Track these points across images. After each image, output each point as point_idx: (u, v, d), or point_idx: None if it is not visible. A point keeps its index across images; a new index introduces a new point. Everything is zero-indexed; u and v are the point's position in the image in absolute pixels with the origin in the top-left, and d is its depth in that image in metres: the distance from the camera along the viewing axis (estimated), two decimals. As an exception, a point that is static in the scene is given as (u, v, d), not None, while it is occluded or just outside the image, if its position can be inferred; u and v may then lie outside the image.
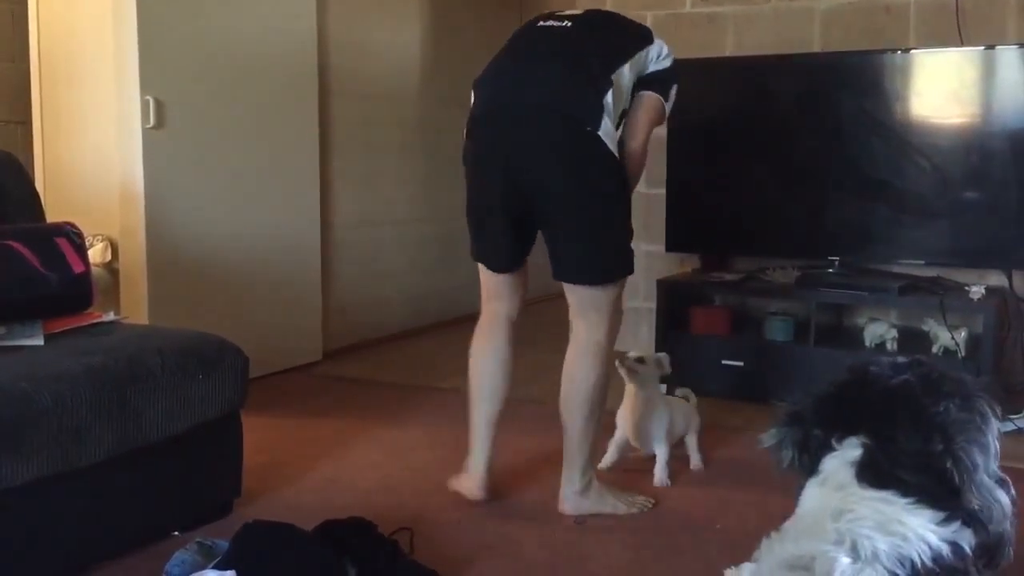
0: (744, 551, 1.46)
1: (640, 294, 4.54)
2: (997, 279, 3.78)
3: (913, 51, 3.75)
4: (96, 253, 3.49)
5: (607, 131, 2.36)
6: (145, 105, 3.38)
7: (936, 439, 1.28)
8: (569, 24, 2.49)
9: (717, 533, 2.45)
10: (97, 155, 3.59)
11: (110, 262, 3.56)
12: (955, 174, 3.68)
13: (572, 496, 2.58)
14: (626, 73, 2.43)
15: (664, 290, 3.97)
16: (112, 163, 3.50)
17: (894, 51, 3.76)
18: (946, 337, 3.50)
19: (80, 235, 2.61)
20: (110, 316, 2.60)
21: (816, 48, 4.05)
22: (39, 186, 3.33)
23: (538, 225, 2.50)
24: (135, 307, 3.43)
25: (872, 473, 1.28)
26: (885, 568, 1.15)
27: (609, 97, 2.35)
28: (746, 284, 3.93)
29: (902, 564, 1.16)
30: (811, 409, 1.43)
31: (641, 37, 2.55)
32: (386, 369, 4.29)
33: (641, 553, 2.33)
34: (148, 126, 3.40)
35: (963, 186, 3.67)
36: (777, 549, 1.26)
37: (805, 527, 1.25)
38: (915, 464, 1.27)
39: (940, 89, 3.69)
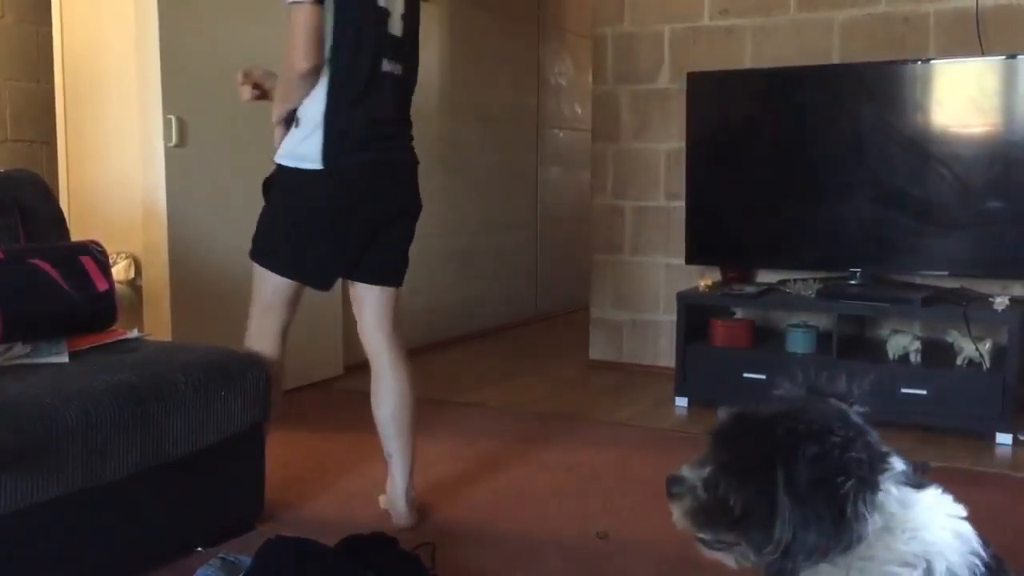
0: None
1: (660, 307, 4.54)
2: (1021, 289, 3.74)
3: (933, 61, 3.74)
4: (120, 271, 3.52)
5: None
6: (167, 124, 3.41)
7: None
8: None
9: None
10: (120, 174, 3.63)
11: (133, 279, 3.58)
12: (977, 184, 3.65)
13: (413, 506, 2.60)
14: None
15: (684, 303, 3.96)
16: (135, 181, 3.53)
17: (914, 61, 3.75)
18: (970, 348, 3.47)
19: (104, 253, 2.64)
20: (134, 333, 2.63)
21: (835, 59, 4.04)
22: (63, 205, 3.36)
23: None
24: (158, 324, 3.45)
25: (916, 478, 1.27)
26: None
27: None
28: (767, 296, 3.91)
29: (974, 573, 1.18)
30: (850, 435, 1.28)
31: None
32: (407, 384, 4.29)
33: (663, 567, 2.32)
34: (170, 144, 3.43)
35: (985, 196, 3.65)
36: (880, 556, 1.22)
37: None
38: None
39: (961, 99, 3.68)
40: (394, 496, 2.59)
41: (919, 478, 1.27)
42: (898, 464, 1.24)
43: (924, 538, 1.19)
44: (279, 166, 2.46)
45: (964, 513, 1.25)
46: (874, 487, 1.19)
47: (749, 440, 1.25)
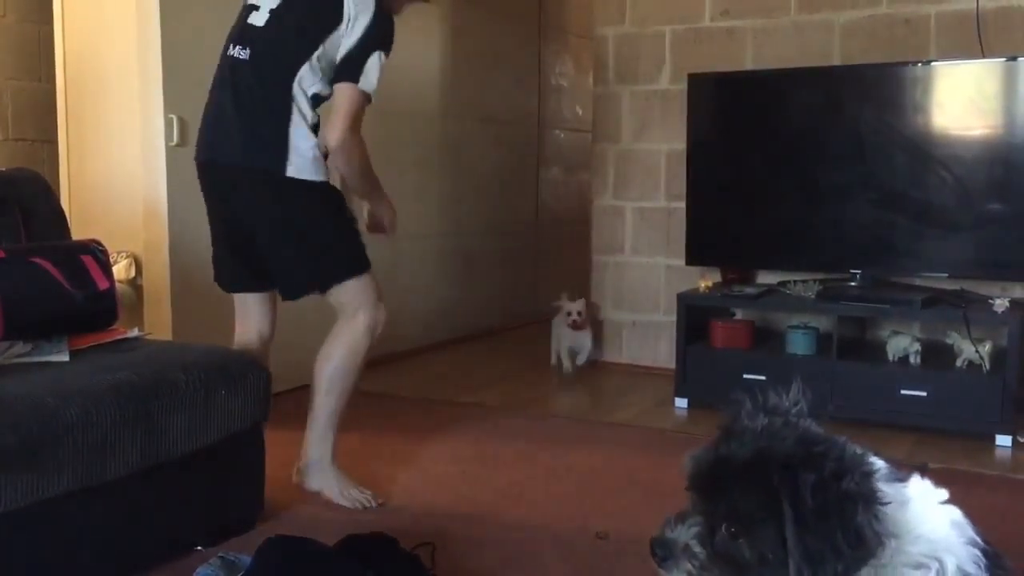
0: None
1: (660, 308, 4.54)
2: (1021, 291, 3.75)
3: (934, 63, 3.74)
4: (120, 270, 3.52)
5: None
6: (169, 123, 3.42)
7: None
8: None
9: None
10: (122, 173, 3.63)
11: (134, 278, 3.59)
12: (978, 186, 3.66)
13: (305, 467, 2.68)
14: None
15: (684, 304, 3.96)
16: (136, 180, 3.53)
17: (915, 63, 3.75)
18: (970, 350, 3.47)
19: (105, 252, 2.64)
20: (134, 332, 2.63)
21: (836, 61, 4.04)
22: (64, 204, 3.36)
23: None
24: (159, 323, 3.46)
25: (897, 471, 1.26)
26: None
27: None
28: (767, 297, 3.91)
29: (978, 565, 1.18)
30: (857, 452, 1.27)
31: None
32: (407, 383, 4.30)
33: (664, 568, 2.32)
34: (172, 144, 3.43)
35: (986, 198, 3.65)
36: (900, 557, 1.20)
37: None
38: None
39: (961, 101, 3.68)
40: None
41: (899, 470, 1.26)
42: (878, 462, 1.23)
43: (929, 536, 1.18)
44: None
45: (947, 495, 1.24)
46: (877, 499, 1.16)
47: (742, 483, 1.19)
